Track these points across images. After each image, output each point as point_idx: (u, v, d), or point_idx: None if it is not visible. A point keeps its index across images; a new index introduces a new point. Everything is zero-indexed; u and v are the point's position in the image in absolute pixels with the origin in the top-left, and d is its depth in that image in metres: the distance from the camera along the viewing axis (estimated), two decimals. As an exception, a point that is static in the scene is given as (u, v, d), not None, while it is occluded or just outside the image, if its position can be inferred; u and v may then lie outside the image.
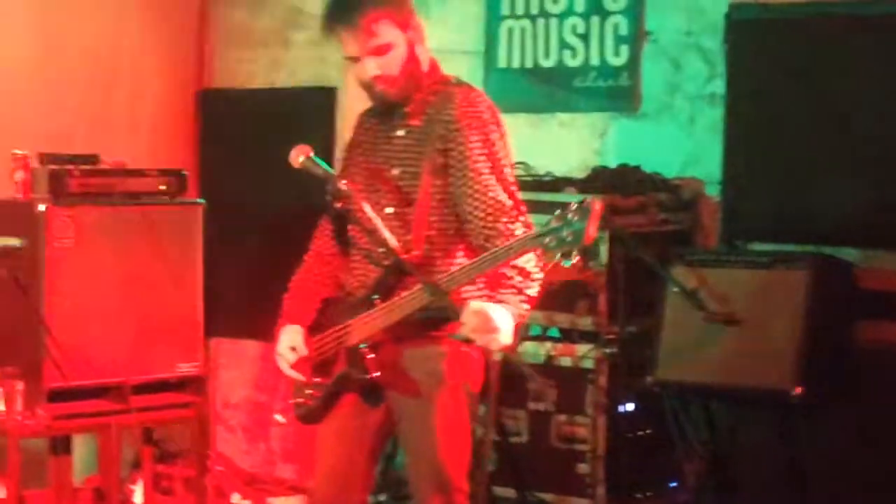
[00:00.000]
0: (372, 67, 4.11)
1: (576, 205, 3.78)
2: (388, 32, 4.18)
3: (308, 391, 4.34)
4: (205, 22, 7.42)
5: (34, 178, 5.98)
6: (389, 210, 4.16)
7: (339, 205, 4.11)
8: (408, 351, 4.14)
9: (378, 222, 4.02)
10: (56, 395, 5.83)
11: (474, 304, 3.93)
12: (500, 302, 3.97)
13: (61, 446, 6.24)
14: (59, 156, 6.10)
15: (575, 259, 3.77)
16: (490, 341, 3.84)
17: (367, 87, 4.22)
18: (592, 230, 3.64)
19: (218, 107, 7.19)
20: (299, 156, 4.11)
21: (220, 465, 7.07)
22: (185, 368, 6.24)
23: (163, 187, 6.25)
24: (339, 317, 4.31)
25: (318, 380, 4.34)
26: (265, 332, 4.59)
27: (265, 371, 6.76)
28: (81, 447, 6.51)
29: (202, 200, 6.40)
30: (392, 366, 4.15)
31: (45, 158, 6.05)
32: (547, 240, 3.71)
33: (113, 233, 6.06)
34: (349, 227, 4.29)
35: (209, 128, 7.25)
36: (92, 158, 6.18)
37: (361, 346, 4.13)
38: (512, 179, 4.20)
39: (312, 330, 4.36)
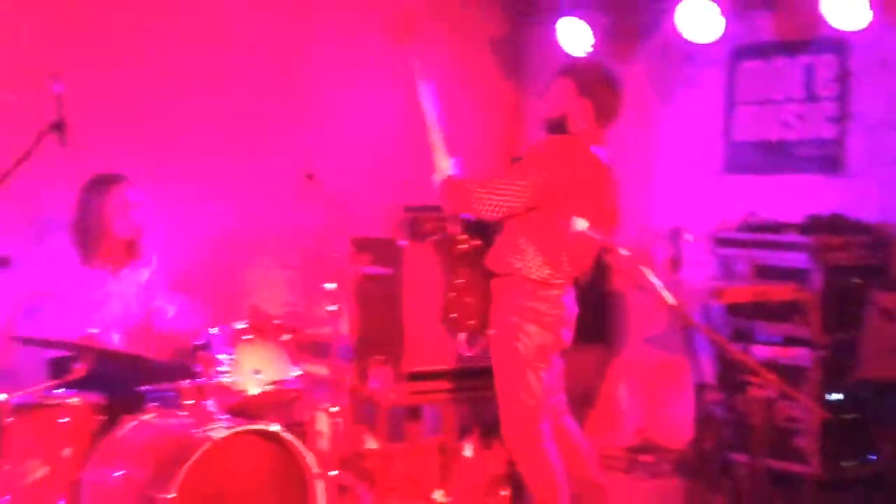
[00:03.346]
0: None
1: None
2: None
3: None
4: (519, 113, 7.58)
5: (400, 222, 6.31)
6: None
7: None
8: None
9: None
10: (412, 377, 6.19)
11: None
12: None
13: (416, 413, 6.54)
14: (416, 207, 6.46)
15: None
16: None
17: None
18: None
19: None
20: (580, 223, 4.42)
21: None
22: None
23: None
24: None
25: None
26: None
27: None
28: (430, 414, 6.72)
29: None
30: None
31: (408, 209, 6.44)
32: None
33: (454, 262, 5.58)
34: None
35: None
36: (438, 208, 6.32)
37: None
38: None
39: None
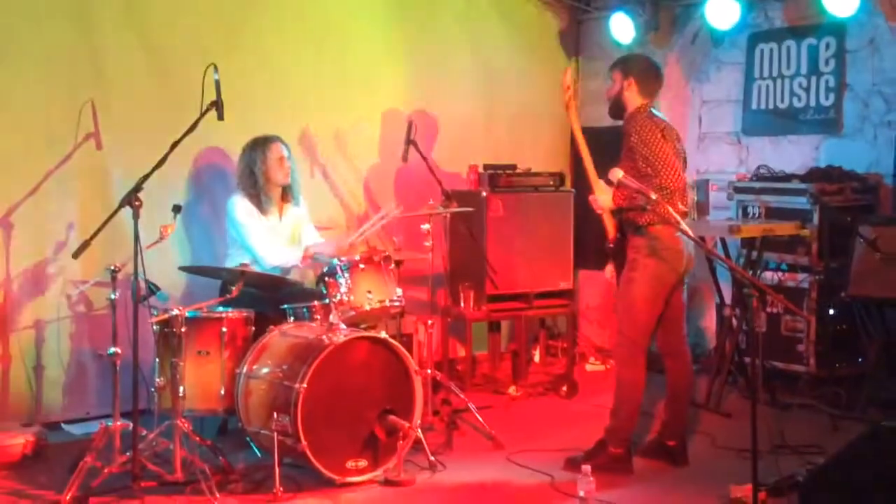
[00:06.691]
0: None
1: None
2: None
3: None
4: (578, 87, 7.13)
5: (480, 178, 6.47)
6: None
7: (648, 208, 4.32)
8: None
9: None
10: (492, 298, 6.29)
11: None
12: None
13: (495, 327, 6.68)
14: (494, 165, 6.53)
15: None
16: None
17: None
18: None
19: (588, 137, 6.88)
20: (618, 174, 4.35)
21: (583, 341, 7.23)
22: (564, 284, 6.53)
23: (551, 182, 6.58)
24: None
25: None
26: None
27: (608, 289, 6.45)
28: (506, 328, 6.85)
29: (573, 190, 6.64)
30: None
31: (487, 167, 6.49)
32: None
33: (523, 208, 6.44)
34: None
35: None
36: (512, 166, 6.58)
37: None
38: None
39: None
